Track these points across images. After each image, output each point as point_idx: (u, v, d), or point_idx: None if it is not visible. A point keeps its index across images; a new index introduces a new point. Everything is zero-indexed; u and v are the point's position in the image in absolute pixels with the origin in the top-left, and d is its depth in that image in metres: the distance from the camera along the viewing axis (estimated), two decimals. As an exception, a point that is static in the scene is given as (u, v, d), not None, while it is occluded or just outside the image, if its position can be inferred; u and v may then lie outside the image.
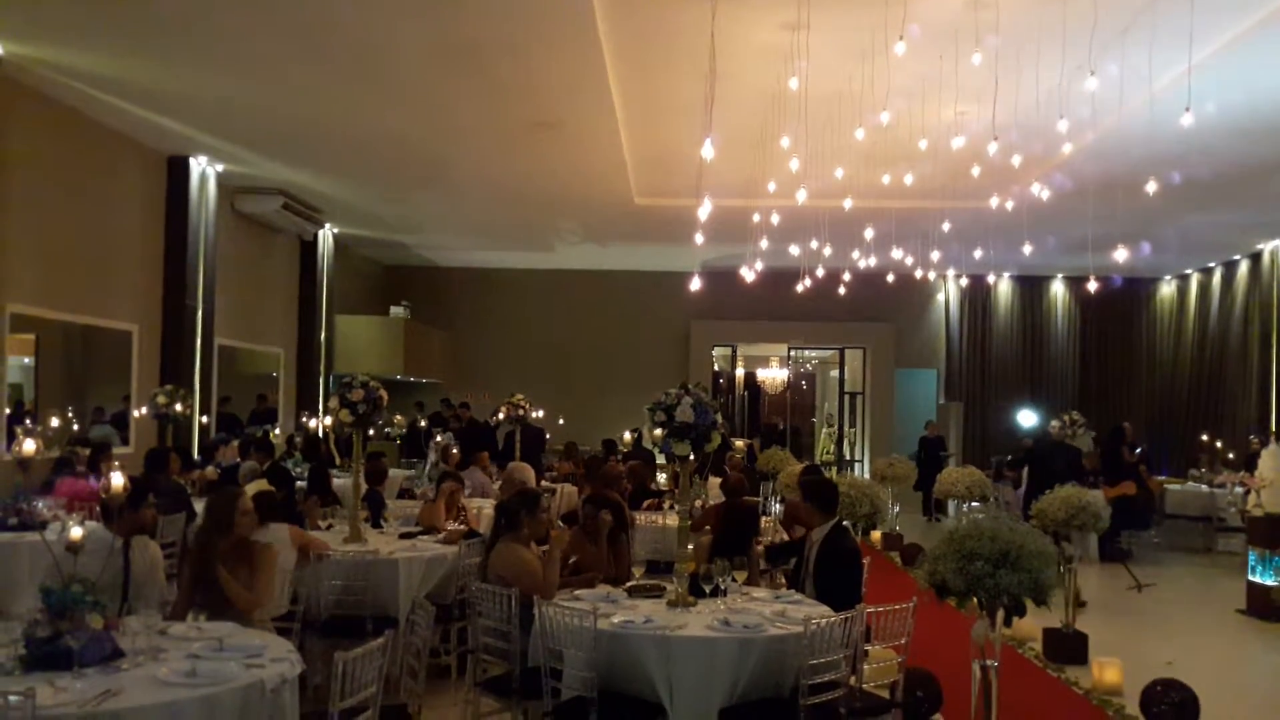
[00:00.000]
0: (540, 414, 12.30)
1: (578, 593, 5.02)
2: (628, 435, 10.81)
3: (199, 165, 11.11)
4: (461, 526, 7.30)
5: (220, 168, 11.38)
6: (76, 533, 3.89)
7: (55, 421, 7.55)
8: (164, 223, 10.87)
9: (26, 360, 9.85)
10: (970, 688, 4.67)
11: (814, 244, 10.11)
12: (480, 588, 4.95)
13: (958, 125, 8.17)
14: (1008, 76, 7.50)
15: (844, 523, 5.70)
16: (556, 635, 4.40)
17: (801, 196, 7.70)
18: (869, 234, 9.75)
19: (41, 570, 5.39)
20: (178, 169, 10.93)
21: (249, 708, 3.39)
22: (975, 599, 4.40)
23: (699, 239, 9.51)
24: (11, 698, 2.90)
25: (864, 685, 4.65)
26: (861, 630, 4.43)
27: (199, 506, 7.86)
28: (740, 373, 19.34)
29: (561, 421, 14.45)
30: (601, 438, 12.88)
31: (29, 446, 6.29)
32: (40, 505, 6.38)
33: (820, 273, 11.58)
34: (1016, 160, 8.18)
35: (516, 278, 18.40)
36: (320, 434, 13.27)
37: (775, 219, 9.53)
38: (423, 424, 14.43)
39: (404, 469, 12.52)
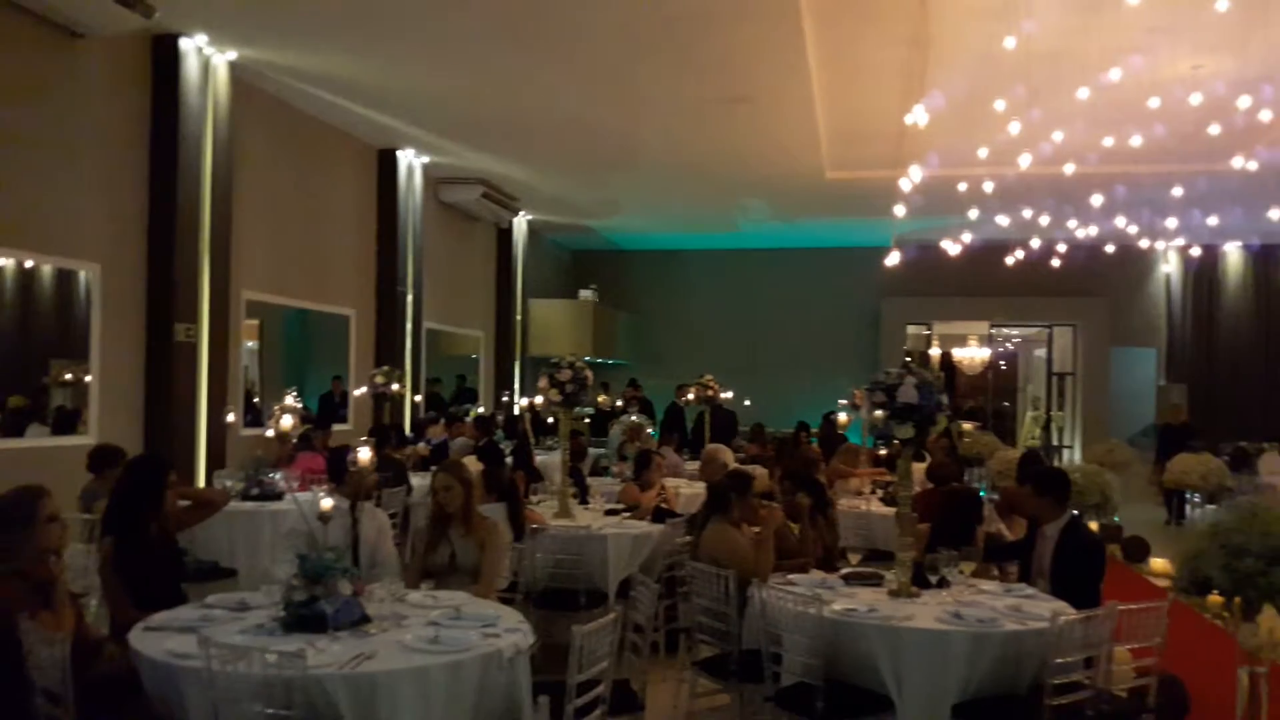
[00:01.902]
0: (729, 395, 12.21)
1: (791, 577, 4.91)
2: (843, 417, 10.51)
3: (406, 157, 11.67)
4: (663, 505, 7.34)
5: (426, 159, 11.91)
6: (327, 503, 4.11)
7: (292, 400, 8.06)
8: (376, 213, 11.49)
9: (251, 344, 10.59)
10: (1225, 696, 4.25)
11: (1027, 213, 9.51)
12: (695, 567, 4.93)
13: (1193, 81, 7.46)
14: (1255, 24, 6.76)
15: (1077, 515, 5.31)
16: (775, 620, 4.31)
17: (1025, 162, 7.24)
18: (1096, 200, 9.06)
19: (281, 536, 5.79)
20: (387, 161, 11.52)
21: (488, 675, 3.48)
22: (1241, 599, 3.99)
23: (899, 211, 9.12)
24: (271, 656, 3.08)
25: (1112, 688, 4.31)
26: (1112, 629, 4.10)
27: (415, 481, 8.30)
28: (935, 352, 18.57)
29: (748, 403, 14.31)
30: (788, 419, 12.68)
31: (286, 421, 6.75)
32: (278, 478, 6.86)
33: (1034, 243, 10.89)
34: (1266, 116, 7.38)
35: (700, 259, 18.37)
36: (517, 412, 13.71)
37: (987, 187, 9.02)
38: (618, 403, 14.63)
39: (594, 448, 12.77)
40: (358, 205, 11.21)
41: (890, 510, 7.45)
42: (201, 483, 7.86)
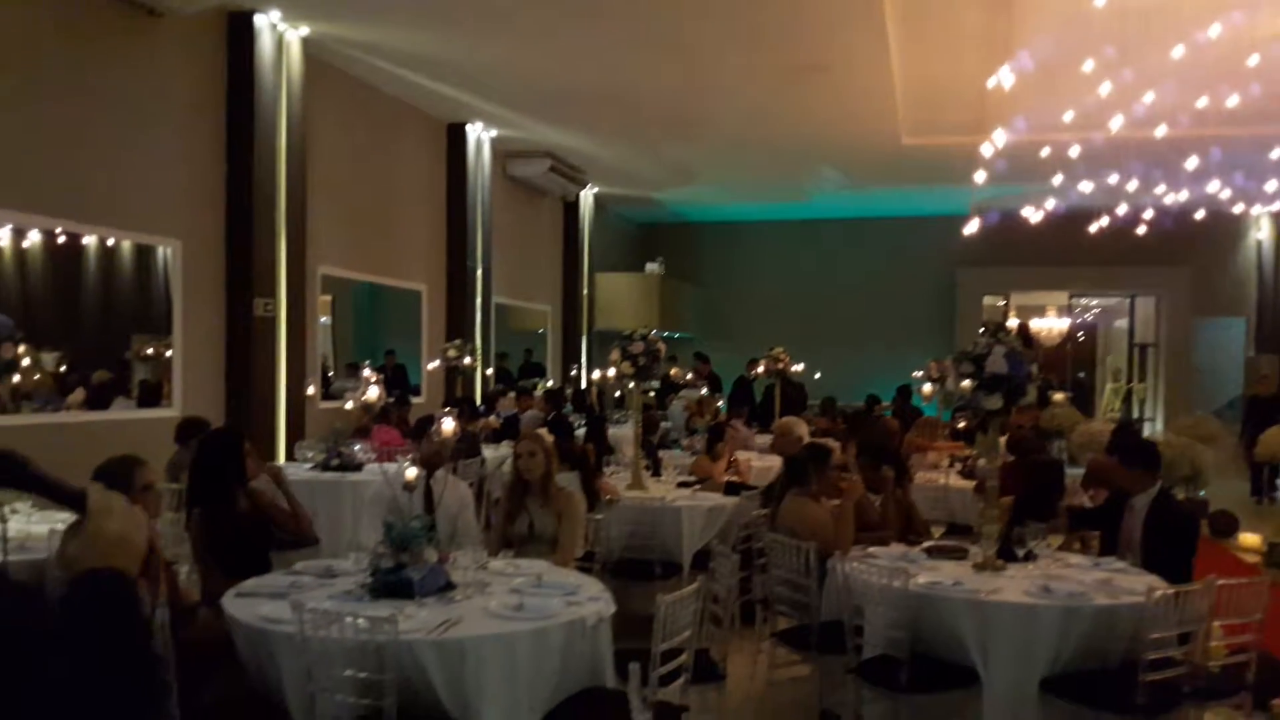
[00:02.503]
0: (800, 367, 12.07)
1: (872, 550, 4.83)
2: (927, 388, 10.29)
3: (475, 131, 11.71)
4: (734, 478, 7.30)
5: (494, 133, 11.94)
6: (411, 473, 4.15)
7: (372, 375, 8.18)
8: (445, 188, 11.56)
9: (324, 320, 10.76)
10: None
11: (1113, 179, 9.17)
12: (774, 539, 4.88)
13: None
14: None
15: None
16: (858, 592, 4.26)
17: (1116, 124, 6.96)
18: (1189, 165, 8.68)
19: (365, 503, 5.88)
20: (456, 136, 11.58)
21: (572, 643, 3.48)
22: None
23: (979, 178, 8.86)
24: (362, 621, 3.12)
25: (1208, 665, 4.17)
26: (1210, 605, 3.96)
27: (487, 453, 8.38)
28: (1013, 323, 18.11)
29: (818, 376, 14.14)
30: (858, 393, 12.51)
31: (373, 393, 6.85)
32: (357, 449, 6.98)
33: (1119, 210, 10.52)
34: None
35: (768, 230, 18.15)
36: (585, 386, 13.77)
37: (1073, 152, 8.71)
38: (689, 376, 14.56)
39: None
40: (428, 180, 11.29)
41: (968, 484, 7.33)
42: (282, 454, 8.03)
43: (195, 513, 4.43)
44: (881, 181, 14.66)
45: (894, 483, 5.76)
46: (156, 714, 1.23)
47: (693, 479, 7.12)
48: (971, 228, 9.37)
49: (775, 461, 7.89)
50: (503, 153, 12.75)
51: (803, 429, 8.05)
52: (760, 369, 12.13)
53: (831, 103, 10.45)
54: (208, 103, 7.95)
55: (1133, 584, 4.17)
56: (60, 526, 4.12)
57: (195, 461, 4.65)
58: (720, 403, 11.25)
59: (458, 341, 10.36)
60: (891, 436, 7.58)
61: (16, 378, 7.76)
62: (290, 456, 7.78)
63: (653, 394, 14.66)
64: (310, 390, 8.52)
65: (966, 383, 4.55)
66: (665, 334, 16.92)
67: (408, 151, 10.93)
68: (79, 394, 8.03)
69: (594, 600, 3.72)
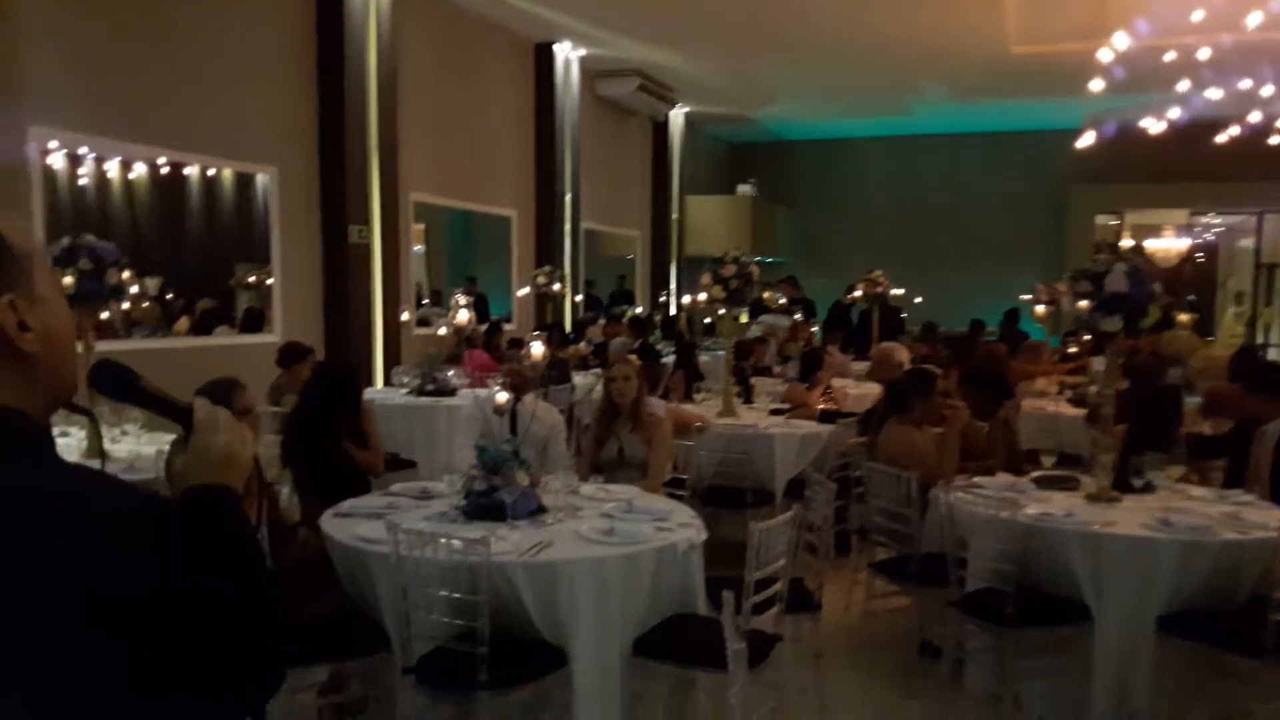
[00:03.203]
0: (900, 291, 11.70)
1: (977, 480, 4.64)
2: (1040, 309, 9.85)
3: (563, 51, 11.49)
4: (829, 405, 7.12)
5: (582, 52, 11.69)
6: (502, 397, 4.12)
7: (463, 300, 8.21)
8: (534, 111, 11.41)
9: (418, 248, 10.81)
10: None
11: (1245, 84, 8.45)
12: (872, 468, 4.73)
13: None
14: None
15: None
16: (962, 523, 4.10)
17: (1254, 21, 6.36)
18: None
19: (456, 429, 5.93)
20: (544, 56, 11.38)
21: (662, 568, 3.45)
22: None
23: (1096, 86, 8.28)
24: (456, 542, 3.12)
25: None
26: (1353, 541, 3.67)
27: (577, 379, 8.37)
28: (1127, 244, 17.19)
29: (919, 300, 13.70)
30: (960, 317, 12.06)
31: (463, 316, 6.87)
32: (450, 374, 7.03)
33: (1252, 118, 9.72)
34: None
35: (867, 148, 17.48)
36: (674, 312, 13.64)
37: (1201, 54, 8.04)
38: (781, 301, 14.30)
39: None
40: (516, 104, 11.16)
41: (1079, 411, 6.99)
42: (379, 379, 8.16)
43: (295, 435, 4.51)
44: (988, 94, 13.90)
45: (1001, 409, 5.52)
46: (276, 630, 1.14)
47: (786, 406, 6.96)
48: (1085, 141, 8.83)
49: (872, 389, 7.68)
50: (591, 72, 12.51)
51: (902, 354, 7.78)
52: (858, 293, 11.79)
53: (935, 9, 9.88)
54: (300, 29, 7.93)
55: (1263, 518, 3.91)
56: (152, 448, 4.24)
57: (306, 388, 4.73)
58: (815, 328, 10.97)
59: (547, 268, 10.32)
60: (998, 362, 7.26)
61: (126, 305, 8.04)
62: (387, 382, 7.90)
63: (744, 320, 14.50)
64: (405, 316, 8.61)
65: (1083, 303, 4.26)
66: (758, 259, 16.58)
67: (496, 74, 10.79)
68: (185, 321, 8.30)
69: (685, 526, 3.68)
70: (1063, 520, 3.91)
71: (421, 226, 10.78)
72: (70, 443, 4.57)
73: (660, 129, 14.96)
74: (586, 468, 4.77)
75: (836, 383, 8.38)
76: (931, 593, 4.40)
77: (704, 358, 9.29)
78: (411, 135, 9.09)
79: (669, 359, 8.74)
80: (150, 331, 8.09)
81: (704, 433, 5.84)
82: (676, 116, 15.10)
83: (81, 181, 8.64)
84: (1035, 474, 4.81)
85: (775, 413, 6.78)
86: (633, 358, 7.43)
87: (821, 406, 6.97)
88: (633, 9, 10.17)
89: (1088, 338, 6.98)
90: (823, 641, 4.20)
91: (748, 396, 7.40)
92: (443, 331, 7.97)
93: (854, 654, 4.68)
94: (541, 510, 3.72)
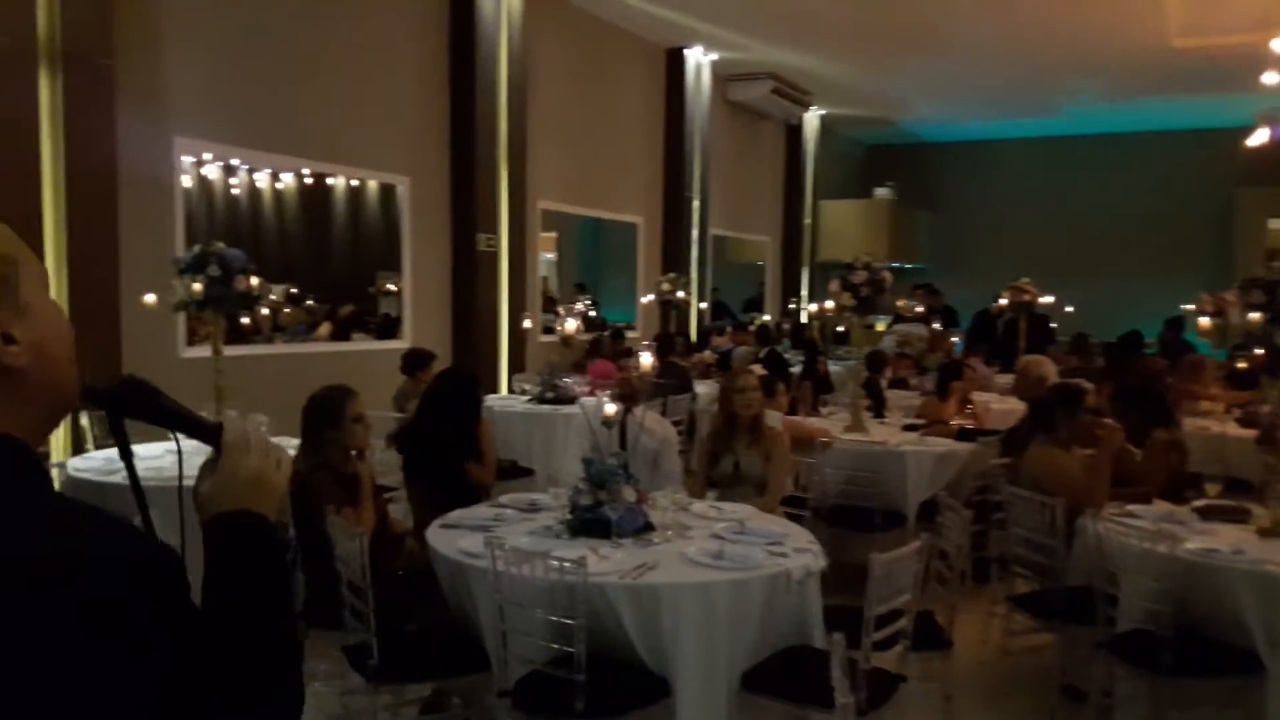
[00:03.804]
0: (1050, 299, 11.00)
1: (1131, 508, 4.21)
2: (1205, 320, 9.07)
3: (695, 55, 11.36)
4: (968, 422, 6.69)
5: (714, 56, 11.53)
6: (610, 409, 3.99)
7: (580, 306, 8.17)
8: (664, 116, 11.32)
9: (550, 256, 10.87)
10: None
11: None
12: (1014, 493, 4.36)
13: None
14: None
15: None
16: (1113, 556, 3.71)
17: None
18: None
19: (575, 439, 5.84)
20: (675, 62, 11.28)
21: (774, 596, 3.22)
22: None
23: (1271, 79, 7.56)
24: (551, 561, 2.99)
25: None
26: None
27: (700, 389, 8.18)
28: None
29: (1069, 310, 12.88)
30: (1115, 327, 11.25)
31: (571, 325, 6.82)
32: (571, 382, 6.97)
33: None
34: None
35: (1012, 150, 16.64)
36: (804, 320, 13.29)
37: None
38: (918, 309, 13.77)
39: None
40: (646, 110, 11.10)
41: (1249, 432, 6.33)
42: (504, 385, 8.20)
43: (411, 442, 4.49)
44: (1147, 91, 12.98)
45: (1159, 430, 5.03)
46: (293, 675, 1.09)
47: (921, 421, 6.58)
48: (1257, 139, 8.06)
49: (1016, 405, 7.18)
50: (723, 76, 12.34)
51: (1049, 368, 7.26)
52: (1003, 302, 11.15)
53: (1089, 3, 9.24)
54: (433, 39, 8.07)
55: None
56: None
57: (427, 393, 4.73)
58: (956, 339, 10.43)
59: (672, 275, 10.19)
60: (1157, 377, 6.67)
61: (266, 310, 8.38)
62: (510, 389, 7.92)
63: (879, 328, 13.98)
64: (527, 324, 8.63)
65: (1255, 315, 3.81)
66: (896, 265, 16.02)
67: (626, 80, 10.75)
68: (326, 327, 8.59)
69: (802, 551, 3.44)
70: (1230, 557, 3.49)
71: (554, 235, 10.85)
72: (196, 445, 4.69)
73: (794, 132, 14.64)
74: (700, 484, 4.58)
75: (978, 397, 7.90)
76: (1077, 631, 4.00)
77: (834, 368, 8.94)
78: (540, 143, 9.12)
79: (797, 369, 8.45)
80: (292, 337, 8.41)
81: (827, 448, 5.56)
82: (811, 119, 14.74)
83: (232, 191, 9.08)
84: (1198, 503, 4.34)
85: (909, 428, 6.42)
86: (755, 368, 7.21)
87: (959, 423, 6.55)
88: (767, 12, 9.95)
89: (1260, 352, 6.32)
90: (953, 682, 3.87)
91: (879, 410, 7.05)
92: (556, 338, 7.93)
93: (988, 696, 4.31)
94: (648, 528, 3.56)
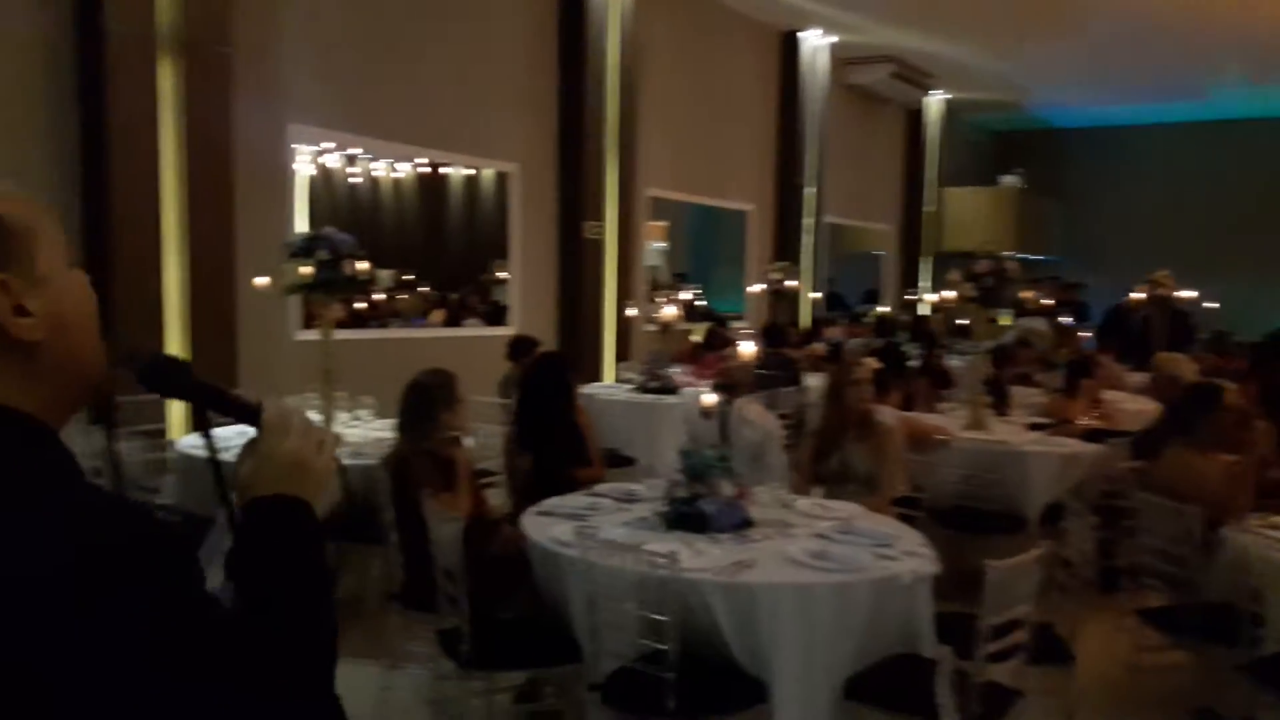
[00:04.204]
0: (1192, 294, 10.30)
1: (1277, 519, 3.84)
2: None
3: (810, 39, 11.07)
4: (1097, 422, 6.28)
5: (832, 39, 11.21)
6: (709, 399, 3.86)
7: (685, 296, 8.04)
8: (777, 102, 11.08)
9: (660, 245, 10.77)
10: None
11: None
12: (1146, 499, 4.03)
13: None
14: None
15: None
16: (1258, 571, 3.38)
17: None
18: None
19: (676, 430, 5.72)
20: (790, 45, 11.02)
21: (881, 601, 3.05)
22: None
23: None
24: (642, 554, 2.89)
25: None
26: None
27: (810, 381, 7.95)
28: None
29: (1211, 306, 12.04)
30: (1262, 324, 10.44)
31: (669, 311, 6.72)
32: (675, 372, 6.86)
33: None
34: None
35: (1154, 135, 15.65)
36: (924, 312, 12.84)
37: None
38: (1047, 302, 13.14)
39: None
40: (759, 94, 10.88)
41: None
42: (609, 374, 8.15)
43: (510, 428, 4.46)
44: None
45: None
46: (326, 672, 1.03)
47: (1046, 420, 6.22)
48: None
49: (1151, 405, 6.72)
50: (840, 60, 11.99)
51: (1186, 366, 6.76)
52: (1139, 296, 10.50)
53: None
54: (543, 24, 8.05)
55: None
56: (383, 434, 4.31)
57: (525, 380, 4.70)
58: (1087, 335, 9.88)
59: (782, 263, 9.96)
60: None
61: (380, 296, 8.56)
62: (614, 378, 7.87)
63: (1004, 322, 13.39)
64: (633, 312, 8.55)
65: None
66: (1024, 256, 15.32)
67: (739, 65, 10.55)
68: (439, 313, 8.75)
69: (912, 555, 3.25)
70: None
71: (664, 224, 10.77)
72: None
73: (915, 117, 14.16)
74: (804, 480, 4.40)
75: (1108, 396, 7.43)
76: (1215, 651, 3.67)
77: (953, 362, 8.57)
78: (649, 129, 9.03)
79: (914, 363, 8.13)
80: (406, 322, 8.58)
81: (945, 446, 5.29)
82: (934, 104, 14.22)
83: (351, 180, 9.31)
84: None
85: (1033, 428, 6.07)
86: (869, 360, 6.94)
87: (1087, 423, 6.16)
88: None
89: None
90: (1075, 699, 3.60)
91: (1002, 408, 6.69)
92: (651, 326, 7.82)
93: (1113, 715, 4.00)
94: (747, 524, 3.43)
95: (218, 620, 0.88)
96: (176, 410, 5.02)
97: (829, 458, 4.39)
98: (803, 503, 3.85)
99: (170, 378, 1.09)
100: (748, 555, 3.14)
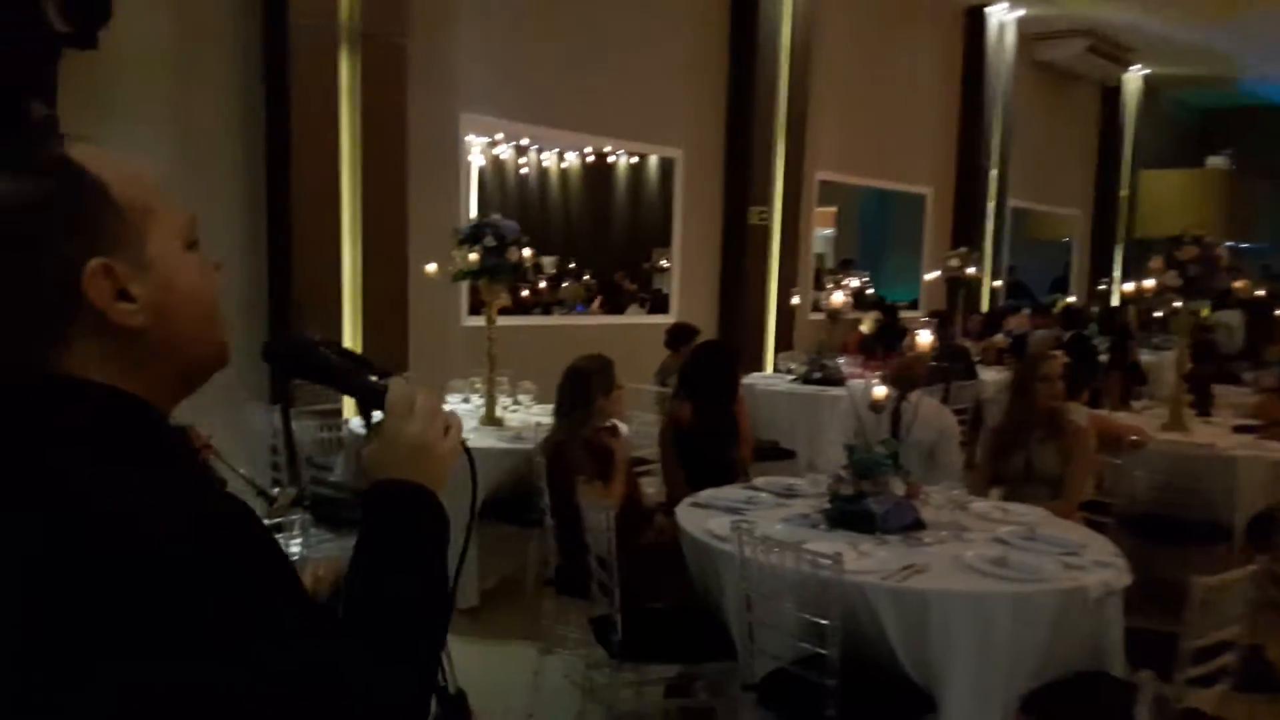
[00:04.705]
0: None
1: None
2: None
3: (997, 14, 10.48)
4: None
5: (1020, 13, 10.56)
6: (879, 391, 3.64)
7: (854, 282, 7.74)
8: (960, 80, 10.55)
9: (828, 232, 10.46)
10: None
11: None
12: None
13: None
14: None
15: None
16: None
17: None
18: None
19: (840, 423, 5.48)
20: (975, 21, 10.48)
21: (1066, 616, 2.79)
22: None
23: None
24: (807, 554, 2.73)
25: None
26: None
27: (987, 375, 7.51)
28: None
29: None
30: None
31: (838, 298, 6.47)
32: (840, 363, 6.59)
33: None
34: None
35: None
36: (1116, 302, 11.95)
37: None
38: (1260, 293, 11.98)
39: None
40: (940, 73, 10.38)
41: None
42: (770, 364, 7.96)
43: (669, 416, 4.38)
44: None
45: None
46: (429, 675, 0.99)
47: (1256, 422, 5.63)
48: None
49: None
50: (1029, 35, 11.30)
51: None
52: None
53: None
54: (712, 4, 7.91)
55: None
56: (542, 419, 4.30)
57: (685, 367, 4.62)
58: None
59: (961, 250, 9.45)
60: None
61: (543, 284, 8.69)
62: (775, 368, 7.68)
63: (1204, 313, 12.27)
64: (796, 300, 8.31)
65: None
66: (1232, 244, 14.03)
67: (919, 41, 10.08)
68: (600, 301, 8.82)
69: (1102, 565, 2.97)
70: None
71: (832, 210, 10.47)
72: (469, 408, 4.86)
73: (1110, 95, 13.21)
74: (983, 480, 4.11)
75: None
76: None
77: (1148, 358, 7.91)
78: (821, 111, 8.74)
79: (1105, 357, 7.55)
80: (569, 309, 8.69)
81: (1140, 449, 4.85)
82: (1132, 80, 13.20)
83: (521, 171, 9.50)
84: None
85: (1240, 430, 5.50)
86: (1058, 354, 6.47)
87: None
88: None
89: None
90: (1292, 735, 3.20)
91: (1204, 408, 6.10)
92: (820, 315, 7.53)
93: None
94: (919, 525, 3.21)
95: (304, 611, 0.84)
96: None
97: (1011, 457, 4.08)
98: (979, 504, 3.58)
99: (290, 357, 1.07)
100: (919, 559, 2.93)
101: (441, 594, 0.98)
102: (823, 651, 2.67)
